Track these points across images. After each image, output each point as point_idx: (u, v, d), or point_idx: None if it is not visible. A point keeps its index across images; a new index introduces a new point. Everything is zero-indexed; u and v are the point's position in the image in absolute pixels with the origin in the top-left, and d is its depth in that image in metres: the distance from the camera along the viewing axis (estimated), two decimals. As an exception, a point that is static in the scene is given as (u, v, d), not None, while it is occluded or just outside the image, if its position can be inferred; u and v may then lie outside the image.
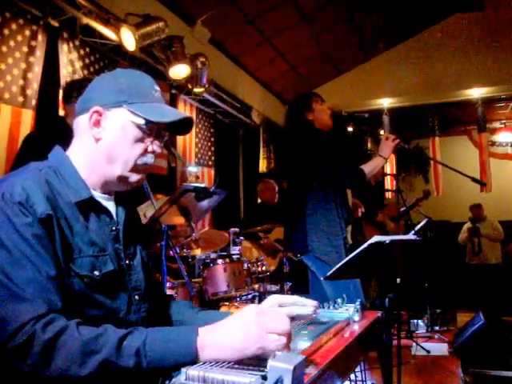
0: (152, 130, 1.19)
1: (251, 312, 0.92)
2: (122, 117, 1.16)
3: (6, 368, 0.93)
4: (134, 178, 1.20)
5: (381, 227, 5.06)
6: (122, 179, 1.19)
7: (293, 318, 1.08)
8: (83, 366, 0.88)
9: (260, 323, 0.89)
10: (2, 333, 0.90)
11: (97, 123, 1.16)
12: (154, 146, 1.20)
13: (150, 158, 1.20)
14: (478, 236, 6.78)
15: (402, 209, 4.77)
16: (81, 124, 1.19)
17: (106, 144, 1.17)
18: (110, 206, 1.23)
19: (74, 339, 0.90)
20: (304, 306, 1.11)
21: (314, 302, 1.14)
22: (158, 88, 1.23)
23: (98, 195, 1.20)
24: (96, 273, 1.09)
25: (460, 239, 7.01)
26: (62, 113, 3.29)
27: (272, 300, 1.10)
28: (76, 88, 2.49)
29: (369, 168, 2.78)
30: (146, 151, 1.19)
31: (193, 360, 0.89)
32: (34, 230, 0.99)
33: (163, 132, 1.23)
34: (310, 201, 2.70)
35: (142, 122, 1.16)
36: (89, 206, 1.15)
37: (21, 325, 0.89)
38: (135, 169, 1.19)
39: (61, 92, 3.59)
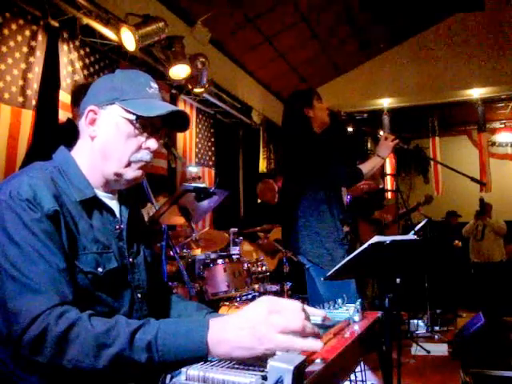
0: (145, 125, 1.18)
1: (262, 308, 0.87)
2: (115, 113, 1.17)
3: (19, 362, 0.94)
4: (130, 174, 1.20)
5: (377, 223, 5.05)
6: (118, 176, 1.19)
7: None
8: (97, 359, 0.88)
9: (269, 323, 0.85)
10: (16, 326, 0.91)
11: (92, 122, 1.18)
12: (149, 142, 1.19)
13: (145, 155, 1.19)
14: (484, 217, 6.76)
15: (402, 211, 4.76)
16: (81, 125, 1.22)
17: (100, 141, 1.18)
18: (114, 204, 1.24)
19: (86, 331, 0.90)
20: (313, 315, 1.11)
21: (323, 312, 1.15)
22: (154, 85, 1.23)
23: (102, 194, 1.21)
24: (100, 269, 1.10)
25: (464, 229, 7.02)
26: (65, 115, 3.30)
27: None
28: (84, 91, 2.51)
29: (367, 168, 2.75)
30: (140, 147, 1.19)
31: (204, 355, 0.88)
32: (42, 225, 1.01)
33: (161, 129, 1.23)
34: (302, 202, 2.66)
35: (133, 117, 1.16)
36: (92, 205, 1.17)
37: (34, 317, 0.90)
38: (130, 165, 1.19)
39: (61, 92, 3.60)
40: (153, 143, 1.20)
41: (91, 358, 0.88)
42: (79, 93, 2.56)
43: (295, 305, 0.88)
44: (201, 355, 0.88)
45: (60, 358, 0.88)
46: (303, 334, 0.85)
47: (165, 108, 1.17)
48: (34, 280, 0.95)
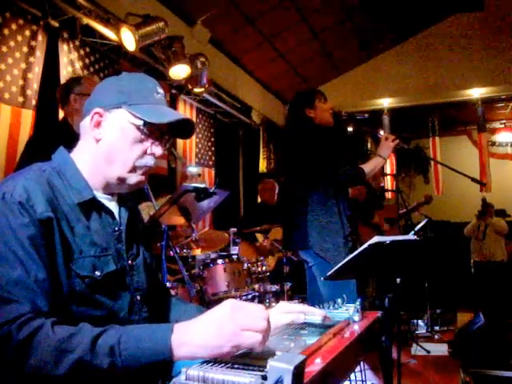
0: (152, 131, 1.18)
1: (227, 307, 0.89)
2: (122, 118, 1.16)
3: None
4: (133, 179, 1.19)
5: (377, 229, 5.06)
6: (121, 180, 1.18)
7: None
8: (57, 365, 0.87)
9: (234, 319, 0.86)
10: None
11: (97, 124, 1.16)
12: (154, 147, 1.19)
13: (150, 160, 1.19)
14: (485, 217, 6.77)
15: (402, 211, 4.76)
16: (84, 126, 1.20)
17: (105, 144, 1.16)
18: (113, 206, 1.22)
19: (48, 339, 0.89)
20: (313, 315, 1.11)
21: (323, 312, 1.14)
22: (160, 91, 1.22)
23: (101, 196, 1.20)
24: (97, 273, 1.09)
25: (466, 229, 7.02)
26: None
27: (279, 308, 1.09)
28: (64, 90, 2.53)
29: (368, 167, 2.77)
30: (145, 153, 1.18)
31: (168, 358, 0.88)
32: (29, 231, 0.99)
33: (165, 134, 1.22)
34: (310, 197, 2.68)
35: (140, 123, 1.15)
36: (91, 207, 1.15)
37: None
38: (134, 170, 1.18)
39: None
40: (158, 149, 1.19)
41: (52, 364, 0.87)
42: (61, 93, 2.56)
43: (259, 307, 0.91)
44: (164, 358, 0.88)
45: (21, 365, 0.88)
46: (265, 335, 0.88)
47: (174, 116, 1.17)
48: (7, 289, 0.94)
